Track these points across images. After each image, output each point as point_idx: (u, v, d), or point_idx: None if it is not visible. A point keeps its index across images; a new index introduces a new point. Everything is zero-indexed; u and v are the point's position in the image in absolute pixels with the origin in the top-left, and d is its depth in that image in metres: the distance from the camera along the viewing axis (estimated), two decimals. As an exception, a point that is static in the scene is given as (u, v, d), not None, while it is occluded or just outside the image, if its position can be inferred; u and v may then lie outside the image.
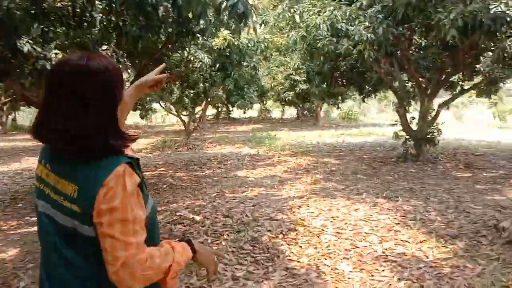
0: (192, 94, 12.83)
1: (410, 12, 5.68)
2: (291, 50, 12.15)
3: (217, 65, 9.05)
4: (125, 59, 6.04)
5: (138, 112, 28.60)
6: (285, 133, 21.06)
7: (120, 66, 7.85)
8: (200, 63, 8.15)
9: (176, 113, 15.19)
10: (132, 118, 37.86)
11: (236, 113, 34.87)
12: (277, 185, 7.89)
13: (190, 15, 4.91)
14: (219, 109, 30.60)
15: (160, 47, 6.63)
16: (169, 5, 4.27)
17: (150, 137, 21.57)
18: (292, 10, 7.39)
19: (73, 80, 1.10)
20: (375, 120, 30.09)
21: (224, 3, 3.48)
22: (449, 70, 9.78)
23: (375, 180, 8.17)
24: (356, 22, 6.60)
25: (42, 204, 1.21)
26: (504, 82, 11.72)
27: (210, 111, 34.23)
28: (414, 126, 10.11)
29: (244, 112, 32.90)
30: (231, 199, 6.83)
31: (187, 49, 8.19)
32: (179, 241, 1.35)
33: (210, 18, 6.33)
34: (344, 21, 6.74)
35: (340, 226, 5.18)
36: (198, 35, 6.62)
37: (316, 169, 9.67)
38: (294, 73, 14.76)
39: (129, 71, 7.31)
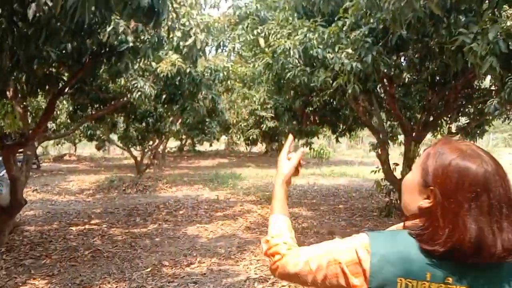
0: (140, 128, 10.96)
1: (413, 33, 4.23)
2: (256, 82, 10.65)
3: (164, 97, 7.30)
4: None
5: (94, 143, 26.38)
6: (252, 171, 19.35)
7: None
8: (139, 93, 6.40)
9: (123, 148, 13.22)
10: (89, 149, 35.35)
11: (202, 146, 33.04)
12: (234, 253, 6.08)
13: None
14: (183, 141, 28.61)
15: (76, 71, 4.84)
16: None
17: (100, 172, 19.31)
18: (255, 32, 5.88)
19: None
20: (346, 156, 28.99)
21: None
22: (436, 110, 8.48)
23: (357, 245, 6.53)
24: (336, 48, 5.13)
25: None
26: (491, 124, 10.59)
27: (174, 143, 32.26)
28: (397, 174, 8.67)
29: (210, 145, 31.14)
30: (168, 281, 4.97)
31: (124, 75, 6.44)
32: None
33: (143, 34, 4.67)
34: (321, 46, 5.26)
35: None
36: (130, 56, 4.89)
37: (285, 224, 7.95)
38: (259, 108, 13.07)
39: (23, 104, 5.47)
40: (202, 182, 14.54)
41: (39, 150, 27.52)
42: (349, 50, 5.01)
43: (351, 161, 24.92)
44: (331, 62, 5.10)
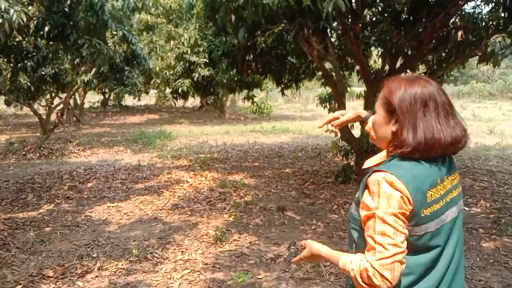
0: (34, 78, 8.43)
1: None
2: (185, 18, 8.51)
3: (47, 29, 5.06)
4: None
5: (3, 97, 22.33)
6: (185, 128, 17.41)
7: None
8: (0, 20, 4.17)
9: (14, 103, 10.61)
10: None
11: (129, 100, 29.88)
12: (152, 250, 4.33)
13: None
14: (106, 95, 25.47)
15: None
16: None
17: (4, 132, 16.29)
18: None
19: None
20: (284, 111, 27.82)
21: None
22: (404, 55, 7.16)
23: (316, 224, 5.15)
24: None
25: (451, 211, 1.31)
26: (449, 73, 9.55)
27: (97, 97, 28.76)
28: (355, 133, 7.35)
29: (138, 99, 28.12)
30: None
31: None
32: None
33: None
34: None
35: None
36: None
37: (224, 199, 6.34)
38: (189, 52, 10.64)
39: None
40: (124, 144, 12.40)
41: None
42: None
43: (291, 115, 23.78)
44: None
